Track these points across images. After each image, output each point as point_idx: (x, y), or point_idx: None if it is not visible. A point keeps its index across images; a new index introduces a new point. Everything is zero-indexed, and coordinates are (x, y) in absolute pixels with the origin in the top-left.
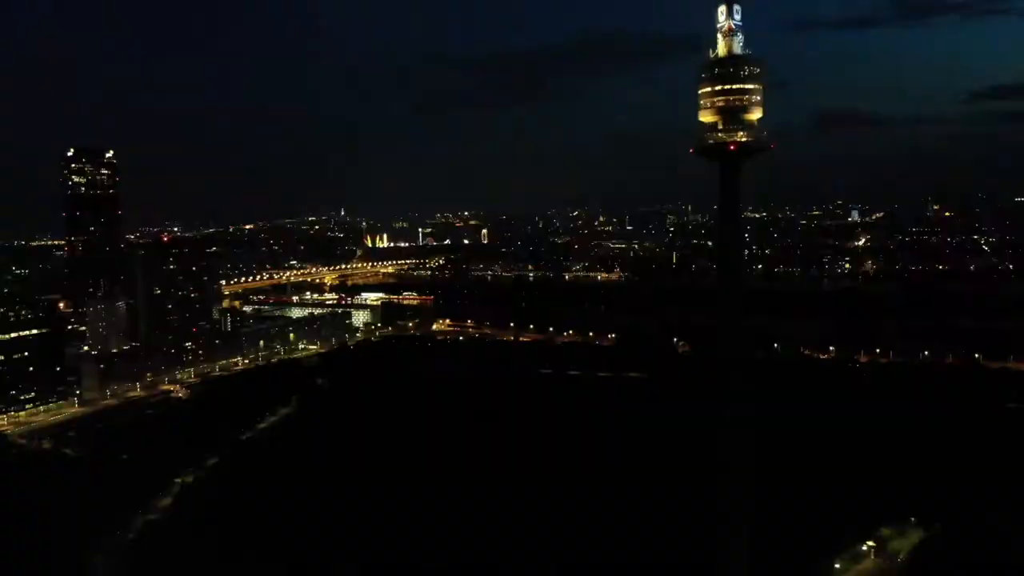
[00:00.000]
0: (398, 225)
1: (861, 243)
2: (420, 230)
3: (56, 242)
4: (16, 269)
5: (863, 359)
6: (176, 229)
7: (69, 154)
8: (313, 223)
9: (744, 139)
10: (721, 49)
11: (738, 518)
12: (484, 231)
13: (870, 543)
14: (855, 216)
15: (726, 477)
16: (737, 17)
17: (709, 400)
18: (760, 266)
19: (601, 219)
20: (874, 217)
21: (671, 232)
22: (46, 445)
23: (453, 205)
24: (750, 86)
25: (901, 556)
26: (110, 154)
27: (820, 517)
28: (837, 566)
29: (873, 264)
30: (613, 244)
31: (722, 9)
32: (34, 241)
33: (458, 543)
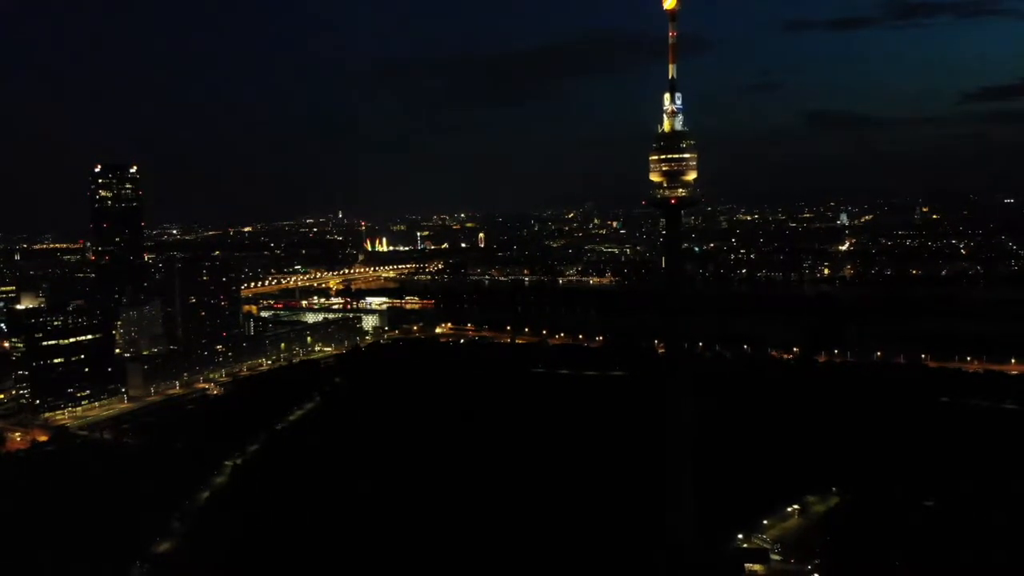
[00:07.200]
0: (396, 228)
1: (845, 247)
2: (418, 233)
3: (59, 245)
4: (31, 272)
5: (822, 359)
6: (175, 231)
7: (97, 169)
8: (311, 225)
9: (682, 195)
10: (666, 126)
11: (683, 484)
12: (481, 235)
13: (795, 506)
14: (843, 219)
15: (669, 451)
16: (679, 102)
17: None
18: (744, 271)
19: (596, 220)
20: (863, 220)
21: (663, 234)
22: (107, 436)
23: (450, 206)
24: (687, 155)
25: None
26: (134, 169)
27: (756, 485)
28: (765, 522)
29: (851, 269)
30: (606, 248)
31: (667, 96)
32: (36, 245)
33: (458, 523)
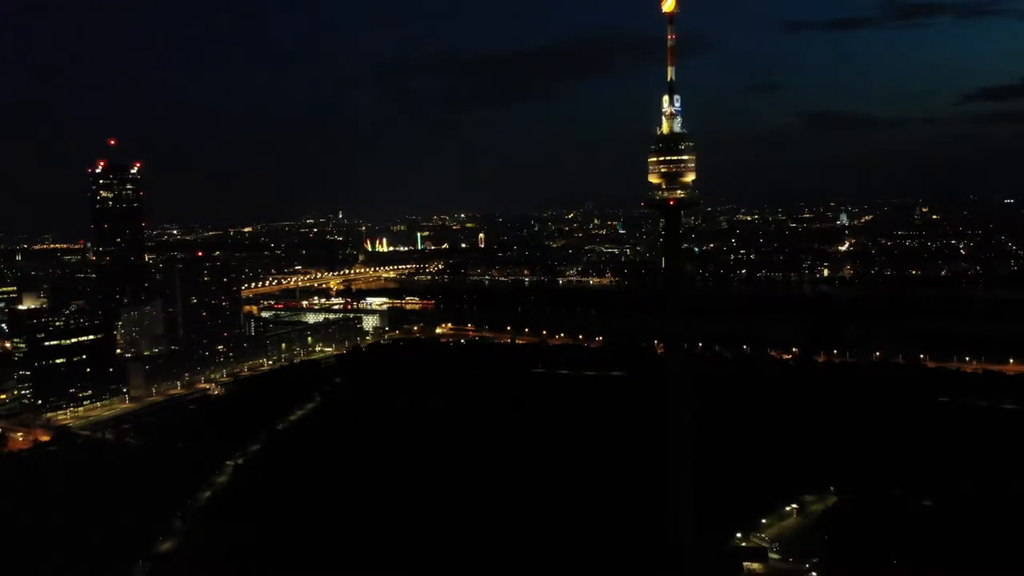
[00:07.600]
0: (396, 228)
1: (845, 247)
2: (418, 234)
3: (59, 245)
4: (32, 272)
5: (821, 359)
6: (175, 231)
7: (97, 169)
8: (311, 226)
9: (680, 196)
10: (665, 128)
11: (683, 484)
12: (481, 235)
13: (794, 505)
14: (843, 219)
15: (669, 451)
16: (677, 104)
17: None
18: (744, 271)
19: (596, 221)
20: (863, 220)
21: (663, 235)
22: (108, 436)
23: (450, 206)
24: (685, 157)
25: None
26: (135, 169)
27: (755, 485)
28: (764, 521)
29: (851, 269)
30: (606, 248)
31: (666, 98)
32: (36, 245)
33: (459, 523)
